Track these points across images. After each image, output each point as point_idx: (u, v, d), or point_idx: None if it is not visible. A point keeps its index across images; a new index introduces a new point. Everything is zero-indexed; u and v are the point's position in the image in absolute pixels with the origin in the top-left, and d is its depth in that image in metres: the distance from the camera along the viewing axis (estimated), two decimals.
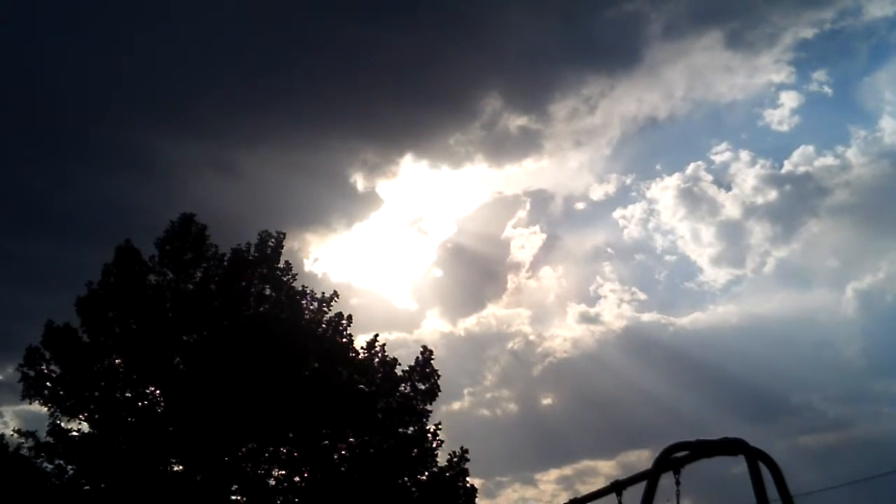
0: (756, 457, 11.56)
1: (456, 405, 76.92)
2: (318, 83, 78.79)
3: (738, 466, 11.78)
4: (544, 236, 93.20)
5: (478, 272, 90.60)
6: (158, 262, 34.91)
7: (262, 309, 35.32)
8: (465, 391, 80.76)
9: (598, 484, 15.28)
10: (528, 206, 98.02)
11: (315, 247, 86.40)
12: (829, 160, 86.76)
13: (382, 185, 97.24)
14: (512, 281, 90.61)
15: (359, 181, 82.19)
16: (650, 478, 11.73)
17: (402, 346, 62.77)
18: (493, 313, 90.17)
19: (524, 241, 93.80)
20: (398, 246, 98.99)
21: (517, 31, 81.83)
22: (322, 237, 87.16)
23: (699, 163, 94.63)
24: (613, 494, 14.04)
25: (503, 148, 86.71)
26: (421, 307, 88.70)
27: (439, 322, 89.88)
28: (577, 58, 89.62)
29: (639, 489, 12.02)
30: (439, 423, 35.64)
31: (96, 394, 33.24)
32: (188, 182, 71.57)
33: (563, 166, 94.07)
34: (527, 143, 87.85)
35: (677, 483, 11.83)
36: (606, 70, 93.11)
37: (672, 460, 11.81)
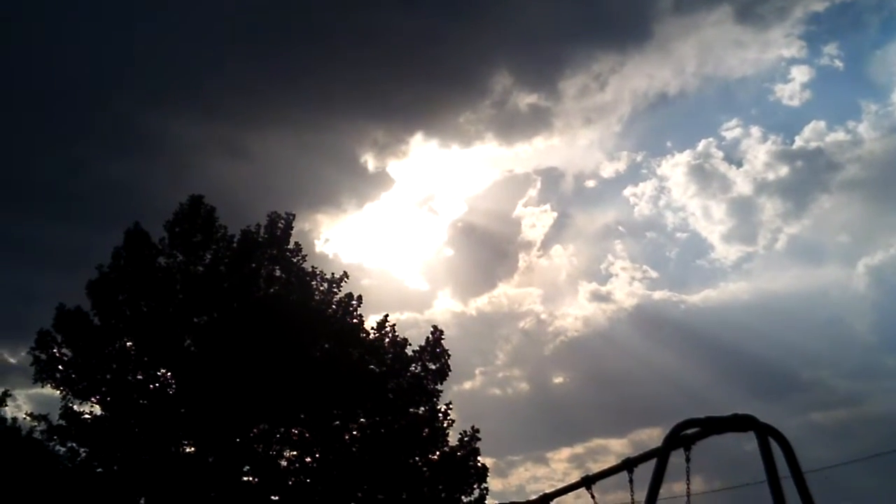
0: (766, 433, 11.52)
1: (468, 385, 77.14)
2: (327, 64, 78.83)
3: (749, 443, 11.75)
4: (555, 215, 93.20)
5: (489, 251, 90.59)
6: (168, 245, 34.93)
7: (271, 290, 35.33)
8: (477, 371, 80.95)
9: (610, 462, 15.26)
10: (538, 184, 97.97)
11: (326, 227, 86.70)
12: (840, 135, 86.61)
13: (393, 165, 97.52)
14: (523, 260, 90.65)
15: (369, 161, 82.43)
16: (660, 455, 11.70)
17: (413, 327, 63.13)
18: (505, 292, 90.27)
19: (535, 220, 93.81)
20: (409, 226, 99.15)
21: (526, 8, 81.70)
22: (333, 218, 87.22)
23: (710, 139, 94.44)
24: (625, 472, 14.04)
25: (513, 126, 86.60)
26: (432, 287, 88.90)
27: (451, 302, 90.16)
28: (586, 34, 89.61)
29: (650, 466, 12.00)
30: (450, 403, 35.77)
31: (108, 377, 33.32)
32: (198, 164, 71.71)
33: (573, 144, 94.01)
34: (537, 121, 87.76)
35: (687, 460, 11.80)
36: (616, 46, 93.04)
37: (682, 437, 11.78)
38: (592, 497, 16.58)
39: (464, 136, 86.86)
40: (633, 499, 13.40)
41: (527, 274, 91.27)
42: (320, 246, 71.94)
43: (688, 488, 12.05)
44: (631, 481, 13.63)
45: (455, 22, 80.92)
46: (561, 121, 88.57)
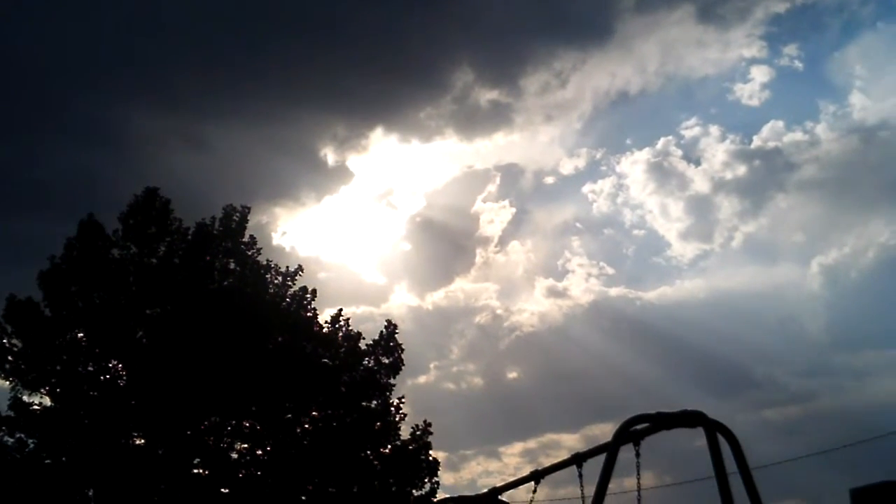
0: (715, 429, 11.76)
1: (422, 379, 77.05)
2: (289, 56, 78.16)
3: (700, 439, 11.99)
4: (514, 210, 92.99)
5: (446, 246, 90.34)
6: (122, 237, 34.71)
7: (226, 283, 35.28)
8: (432, 365, 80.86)
9: (562, 457, 15.48)
10: (497, 180, 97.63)
11: (284, 220, 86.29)
12: (798, 135, 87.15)
13: (353, 160, 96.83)
14: (480, 255, 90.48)
15: (329, 155, 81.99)
16: (610, 450, 11.91)
17: (369, 320, 63.08)
18: (462, 287, 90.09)
19: (493, 216, 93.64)
20: (367, 220, 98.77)
21: (489, 4, 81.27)
22: (291, 211, 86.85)
23: (669, 137, 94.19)
24: (574, 466, 14.23)
25: (474, 122, 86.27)
26: (389, 281, 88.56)
27: (407, 296, 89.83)
28: (548, 31, 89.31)
29: (600, 461, 12.20)
30: (403, 397, 36.00)
31: (58, 367, 33.10)
32: (156, 154, 70.68)
33: (533, 140, 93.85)
34: (497, 117, 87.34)
35: (637, 455, 12.02)
36: (578, 44, 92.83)
37: (632, 433, 11.99)
38: (534, 491, 16.84)
39: (424, 131, 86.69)
40: (582, 493, 13.63)
41: (483, 269, 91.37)
42: (277, 239, 71.60)
43: (638, 482, 12.27)
44: (580, 476, 13.85)
45: (418, 17, 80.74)
46: (521, 117, 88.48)
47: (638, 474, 12.30)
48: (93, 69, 71.49)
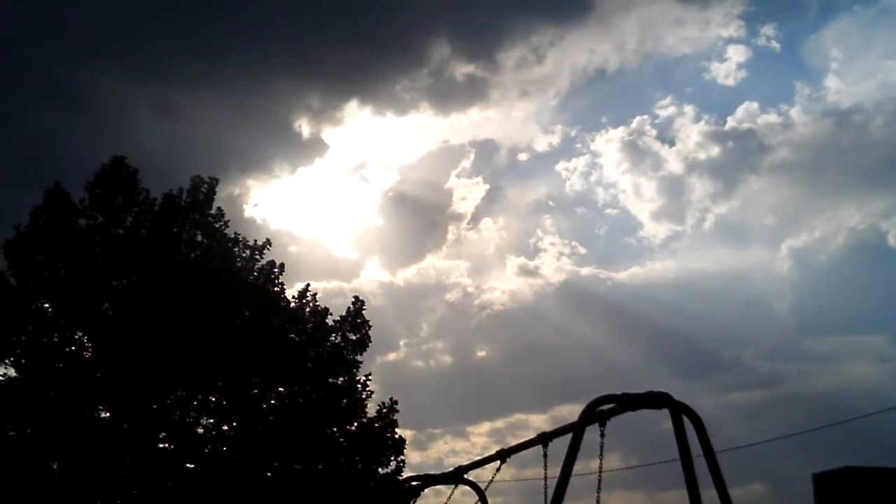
0: (680, 411, 11.75)
1: (392, 356, 77.12)
2: (264, 26, 77.45)
3: (666, 421, 11.96)
4: (487, 187, 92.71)
5: (419, 222, 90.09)
6: (88, 206, 34.39)
7: (193, 255, 35.03)
8: (402, 342, 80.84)
9: (530, 437, 15.44)
10: (472, 156, 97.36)
11: (256, 192, 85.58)
12: (772, 117, 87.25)
13: (328, 133, 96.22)
14: (452, 232, 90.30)
15: (303, 126, 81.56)
16: (575, 430, 11.88)
17: (339, 296, 62.85)
18: (433, 264, 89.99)
19: (466, 192, 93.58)
20: (340, 194, 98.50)
21: None
22: (263, 183, 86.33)
23: (644, 116, 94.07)
24: (540, 446, 14.21)
25: (449, 96, 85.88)
26: (361, 256, 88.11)
27: (379, 272, 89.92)
28: (527, 5, 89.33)
29: (566, 441, 12.16)
30: (369, 374, 35.93)
31: (23, 338, 32.79)
32: (127, 122, 70.10)
33: (508, 116, 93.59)
34: (473, 92, 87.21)
35: (602, 435, 12.01)
36: (556, 19, 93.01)
37: (598, 413, 11.96)
38: (497, 470, 16.85)
39: (399, 105, 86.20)
40: (546, 472, 13.60)
41: (455, 246, 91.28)
42: (249, 210, 71.22)
43: (600, 462, 12.26)
44: (545, 455, 13.82)
45: None
46: (497, 92, 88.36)
47: (601, 454, 12.31)
48: (63, 33, 70.94)
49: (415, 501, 23.01)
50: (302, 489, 33.10)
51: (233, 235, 35.80)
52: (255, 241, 36.14)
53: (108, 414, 33.41)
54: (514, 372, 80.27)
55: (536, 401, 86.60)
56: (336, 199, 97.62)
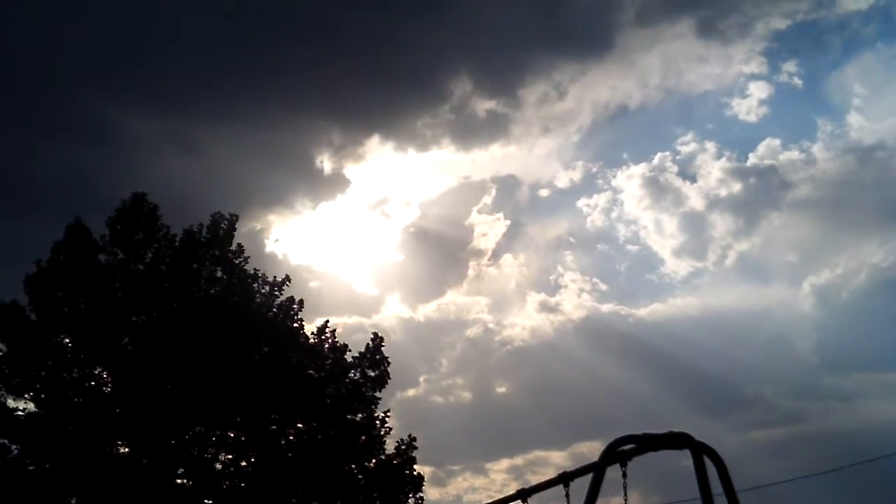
0: (701, 451, 11.70)
1: (411, 392, 77.05)
2: (286, 61, 78.13)
3: (687, 458, 11.93)
4: (508, 223, 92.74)
5: (440, 258, 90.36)
6: (109, 242, 34.57)
7: (212, 291, 35.14)
8: (422, 378, 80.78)
9: (549, 474, 15.37)
10: (493, 192, 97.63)
11: (277, 227, 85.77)
12: (794, 154, 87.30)
13: (350, 169, 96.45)
14: (473, 268, 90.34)
15: (325, 162, 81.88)
16: (596, 470, 11.83)
17: (360, 331, 63.02)
18: (453, 300, 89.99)
19: (487, 228, 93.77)
20: (361, 229, 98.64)
21: (488, 13, 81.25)
22: (284, 218, 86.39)
23: (666, 153, 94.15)
24: (561, 486, 14.16)
25: (471, 132, 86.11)
26: (381, 292, 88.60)
27: (399, 307, 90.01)
28: (548, 42, 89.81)
29: (586, 480, 12.13)
30: (388, 411, 35.87)
31: (43, 373, 32.95)
32: (149, 158, 70.67)
33: (530, 152, 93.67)
34: (495, 128, 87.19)
35: (624, 476, 11.95)
36: (578, 55, 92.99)
37: (618, 453, 11.92)
38: None
39: (421, 141, 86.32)
40: None
41: (476, 282, 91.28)
42: (270, 246, 71.44)
43: (625, 502, 12.19)
44: (567, 495, 13.77)
45: (417, 24, 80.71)
46: (519, 128, 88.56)
47: (625, 495, 12.24)
48: (87, 70, 71.59)
49: None
50: None
51: (252, 271, 35.91)
52: (275, 277, 36.26)
53: (126, 449, 33.48)
54: (534, 408, 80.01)
55: (556, 437, 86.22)
56: (357, 234, 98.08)
